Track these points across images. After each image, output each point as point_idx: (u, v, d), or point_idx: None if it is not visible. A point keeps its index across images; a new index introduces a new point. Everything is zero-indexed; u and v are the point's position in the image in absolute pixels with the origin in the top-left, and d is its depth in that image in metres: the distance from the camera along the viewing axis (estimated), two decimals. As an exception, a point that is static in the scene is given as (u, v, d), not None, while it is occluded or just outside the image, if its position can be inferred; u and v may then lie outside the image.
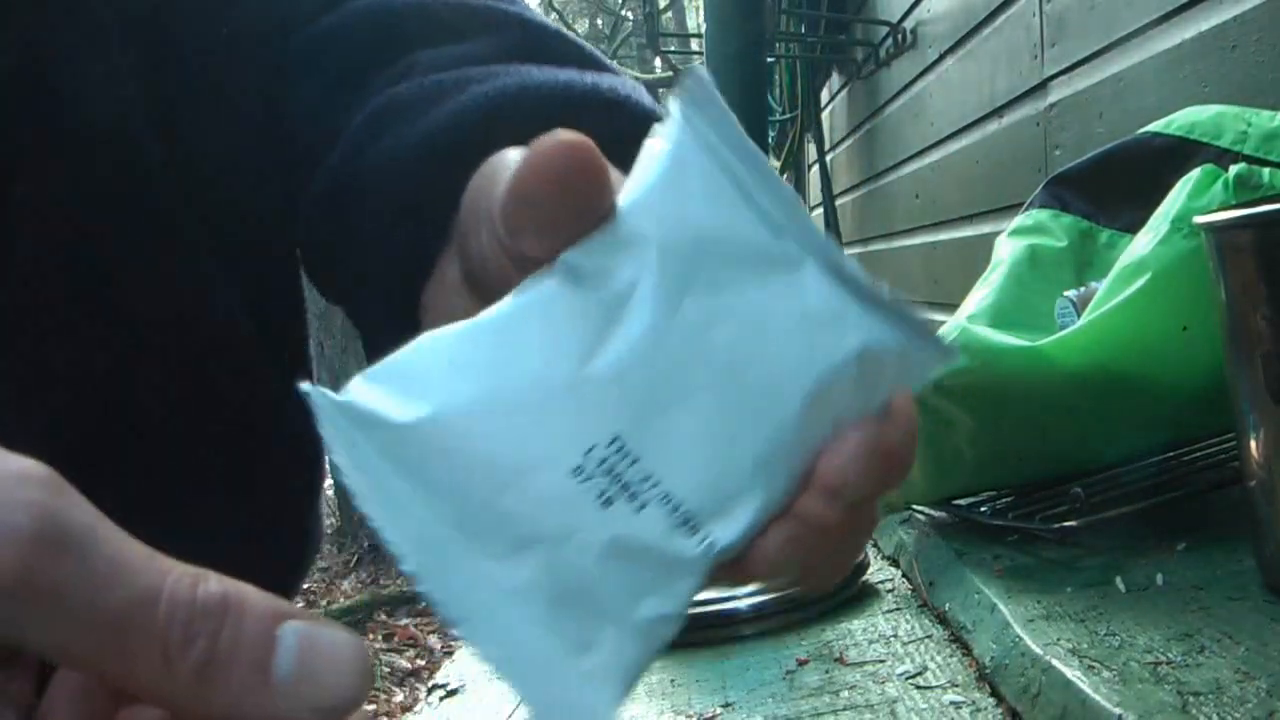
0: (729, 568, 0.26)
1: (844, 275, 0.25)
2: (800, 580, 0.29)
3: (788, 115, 3.21)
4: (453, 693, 0.78)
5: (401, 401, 0.24)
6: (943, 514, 0.87)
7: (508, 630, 0.24)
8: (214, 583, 0.21)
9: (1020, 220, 0.97)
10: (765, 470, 0.25)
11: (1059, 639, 0.58)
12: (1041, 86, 1.49)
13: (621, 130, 0.32)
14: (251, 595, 0.22)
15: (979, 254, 1.34)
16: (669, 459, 0.24)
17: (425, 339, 0.25)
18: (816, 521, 0.26)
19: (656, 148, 0.26)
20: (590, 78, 0.37)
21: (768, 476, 0.25)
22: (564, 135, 0.24)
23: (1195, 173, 0.73)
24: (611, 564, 0.24)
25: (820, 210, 3.01)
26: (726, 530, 0.25)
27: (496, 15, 0.42)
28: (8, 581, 0.19)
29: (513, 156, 0.31)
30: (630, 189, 0.25)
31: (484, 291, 0.32)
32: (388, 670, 3.59)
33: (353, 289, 0.43)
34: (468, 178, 0.33)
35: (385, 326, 0.39)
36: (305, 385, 0.24)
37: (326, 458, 0.50)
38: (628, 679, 0.25)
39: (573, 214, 0.25)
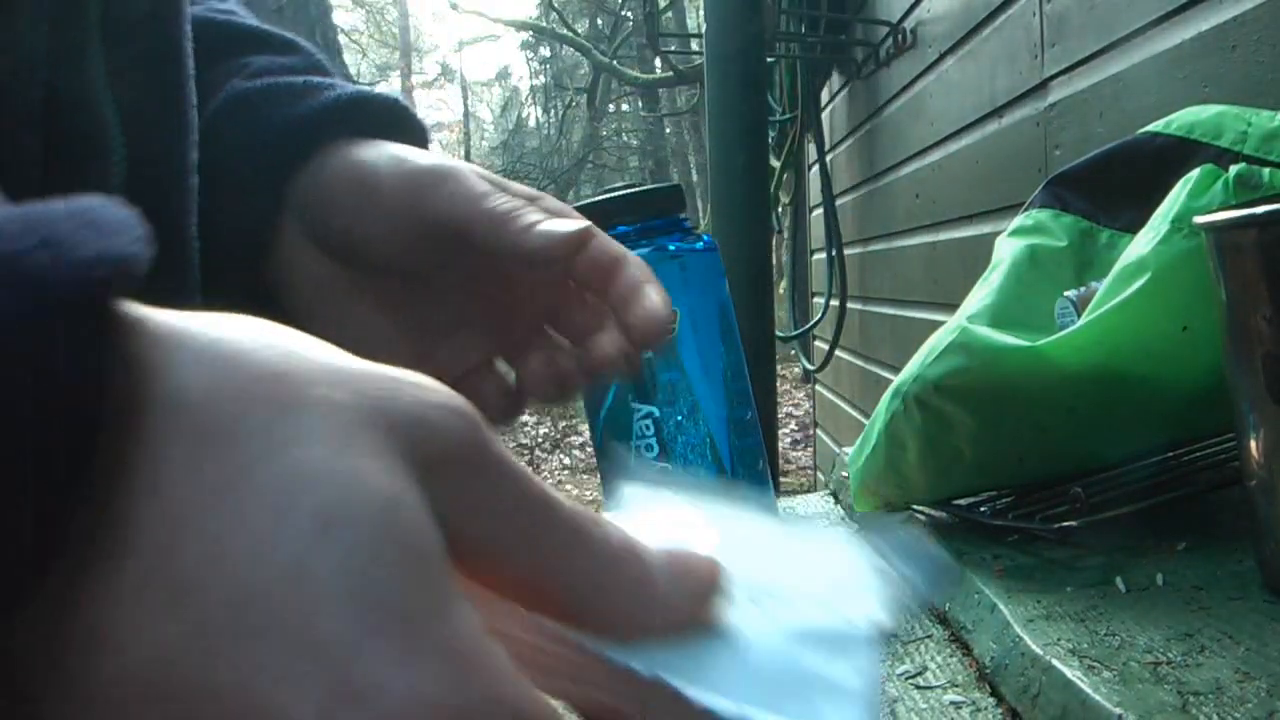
0: None
1: None
2: None
3: (788, 115, 3.20)
4: (453, 693, 0.78)
5: None
6: (943, 514, 0.87)
7: None
8: None
9: (1020, 220, 0.97)
10: None
11: (1059, 639, 0.58)
12: (1041, 86, 1.49)
13: (412, 129, 0.46)
14: None
15: (979, 254, 1.34)
16: None
17: None
18: None
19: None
20: (387, 92, 0.48)
21: None
22: (574, 228, 0.39)
23: (1195, 173, 0.73)
24: None
25: (820, 211, 3.01)
26: None
27: (287, 39, 0.51)
28: (468, 449, 0.22)
29: (391, 151, 0.43)
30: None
31: (352, 260, 0.43)
32: (388, 670, 3.58)
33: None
34: (306, 164, 0.43)
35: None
36: None
37: None
38: None
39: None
